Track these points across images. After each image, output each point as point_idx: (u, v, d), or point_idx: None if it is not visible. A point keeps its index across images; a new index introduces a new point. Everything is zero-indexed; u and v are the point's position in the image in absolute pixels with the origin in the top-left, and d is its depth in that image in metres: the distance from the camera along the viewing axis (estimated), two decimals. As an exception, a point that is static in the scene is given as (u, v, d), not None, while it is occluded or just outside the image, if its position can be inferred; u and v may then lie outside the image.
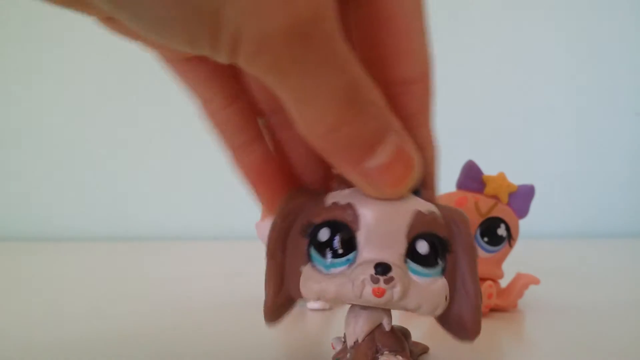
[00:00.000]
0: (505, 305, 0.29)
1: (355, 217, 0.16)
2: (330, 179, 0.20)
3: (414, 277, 0.16)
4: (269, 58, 0.12)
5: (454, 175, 0.30)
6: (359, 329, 0.17)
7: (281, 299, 0.18)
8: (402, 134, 0.15)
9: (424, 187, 0.17)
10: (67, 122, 0.71)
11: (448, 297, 0.17)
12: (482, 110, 0.70)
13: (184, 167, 0.68)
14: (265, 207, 0.20)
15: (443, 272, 0.17)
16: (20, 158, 0.71)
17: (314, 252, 0.17)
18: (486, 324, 0.27)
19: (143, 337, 0.25)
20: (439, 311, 0.17)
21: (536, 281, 0.29)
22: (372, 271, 0.16)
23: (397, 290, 0.16)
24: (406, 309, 0.17)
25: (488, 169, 0.30)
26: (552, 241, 0.63)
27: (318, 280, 0.16)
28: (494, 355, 0.23)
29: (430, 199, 0.18)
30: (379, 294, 0.15)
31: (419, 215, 0.16)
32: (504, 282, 0.30)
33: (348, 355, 0.18)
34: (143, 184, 0.71)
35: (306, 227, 0.17)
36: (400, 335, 0.18)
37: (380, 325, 0.18)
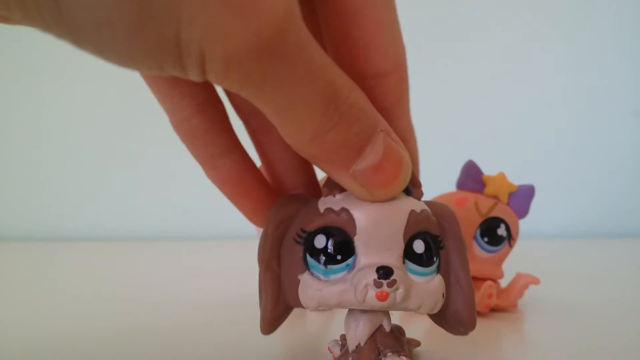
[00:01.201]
0: (505, 305, 0.29)
1: (351, 221, 0.16)
2: (314, 182, 0.20)
3: (413, 277, 0.16)
4: (239, 75, 0.12)
5: (454, 175, 0.30)
6: (360, 332, 0.17)
7: (279, 310, 0.17)
8: (389, 132, 0.15)
9: (413, 185, 0.17)
10: (67, 122, 0.71)
11: (444, 294, 0.17)
12: (482, 110, 0.70)
13: (184, 167, 0.68)
14: (248, 217, 0.19)
15: (438, 269, 0.17)
16: (20, 158, 0.71)
17: (310, 260, 0.17)
18: (486, 324, 0.27)
19: (143, 337, 0.25)
20: (438, 308, 0.17)
21: (536, 281, 0.29)
22: (375, 275, 0.16)
23: (400, 292, 0.16)
24: (407, 310, 0.17)
25: (488, 169, 0.30)
26: (552, 241, 0.63)
27: (318, 287, 0.16)
28: (494, 355, 0.23)
29: (418, 196, 0.18)
30: (383, 297, 0.16)
31: (413, 215, 0.16)
32: (504, 282, 0.30)
33: (350, 359, 0.18)
34: (143, 184, 0.71)
35: (300, 234, 0.17)
36: (399, 335, 0.18)
37: (380, 327, 0.18)
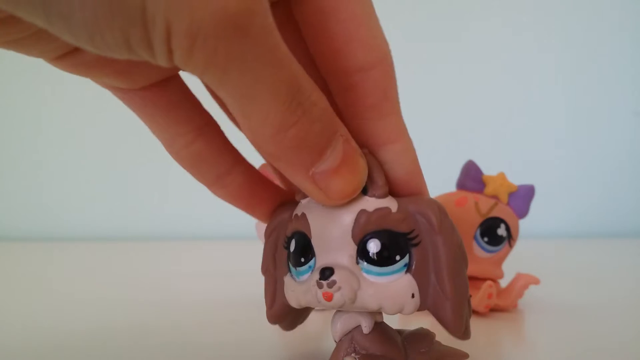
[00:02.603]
0: (505, 305, 0.29)
1: (307, 225, 0.17)
2: None
3: (370, 277, 0.16)
4: (204, 53, 0.11)
5: (454, 175, 0.30)
6: (336, 329, 0.18)
7: (277, 309, 0.19)
8: (348, 137, 0.15)
9: (371, 184, 0.17)
10: (67, 122, 0.71)
11: (417, 295, 0.16)
12: (482, 110, 0.70)
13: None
14: (265, 221, 0.20)
15: (407, 268, 0.16)
16: (20, 158, 0.71)
17: (289, 262, 0.18)
18: (486, 324, 0.27)
19: (143, 337, 0.25)
20: (409, 310, 0.16)
21: (536, 281, 0.29)
22: (317, 277, 0.16)
23: (344, 292, 0.16)
24: (368, 310, 0.17)
25: (488, 169, 0.30)
26: (552, 241, 0.63)
27: (293, 288, 0.17)
28: (494, 355, 0.23)
29: (380, 194, 0.17)
30: (328, 298, 0.16)
31: (363, 215, 0.16)
32: (504, 282, 0.30)
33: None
34: (143, 184, 0.71)
35: (284, 240, 0.18)
36: (390, 339, 0.18)
37: (358, 327, 0.18)
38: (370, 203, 0.16)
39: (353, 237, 0.16)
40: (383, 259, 0.16)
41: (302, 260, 0.17)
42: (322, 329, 0.26)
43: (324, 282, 0.16)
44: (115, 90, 0.17)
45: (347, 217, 0.16)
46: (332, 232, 0.16)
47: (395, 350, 0.18)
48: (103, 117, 0.70)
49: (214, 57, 0.12)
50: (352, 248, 0.16)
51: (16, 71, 0.70)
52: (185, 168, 0.18)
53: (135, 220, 0.71)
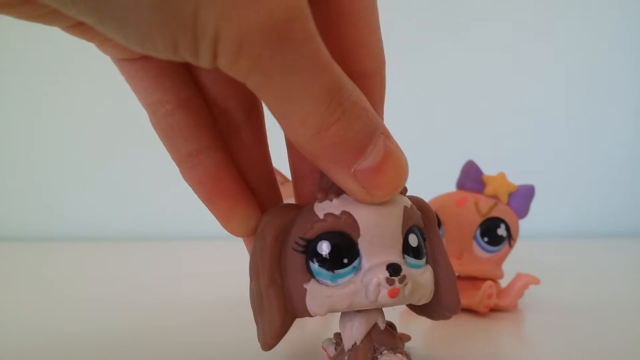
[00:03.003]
0: (505, 305, 0.29)
1: (354, 223, 0.16)
2: (274, 184, 0.20)
3: (412, 270, 0.17)
4: (249, 59, 0.12)
5: (454, 175, 0.30)
6: (355, 332, 0.18)
7: (288, 324, 0.17)
8: (388, 135, 0.16)
9: None
10: (67, 122, 0.71)
11: (434, 283, 0.18)
12: (482, 110, 0.70)
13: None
14: (222, 221, 0.18)
15: (426, 259, 0.18)
16: (20, 158, 0.71)
17: (315, 267, 0.16)
18: (486, 324, 0.27)
19: (142, 337, 0.25)
20: (431, 297, 0.18)
21: (536, 281, 0.29)
22: (387, 274, 0.16)
23: (408, 287, 0.16)
24: (409, 303, 0.17)
25: (488, 169, 0.30)
26: (552, 241, 0.63)
27: (328, 294, 0.16)
28: (494, 355, 0.23)
29: (404, 191, 0.18)
30: (395, 294, 0.16)
31: (407, 211, 0.17)
32: (504, 282, 0.30)
33: (346, 358, 0.18)
34: (143, 184, 0.71)
35: (300, 243, 0.16)
36: (393, 332, 0.19)
37: (375, 325, 0.18)
38: (404, 200, 0.17)
39: (402, 232, 0.17)
40: (420, 252, 0.17)
41: (345, 261, 0.16)
42: (322, 329, 0.26)
43: (396, 279, 0.16)
44: (109, 56, 0.17)
45: (397, 214, 0.17)
46: (386, 230, 0.16)
47: (398, 339, 0.18)
48: (103, 117, 0.70)
49: (258, 62, 0.12)
50: (400, 244, 0.17)
51: (16, 70, 0.70)
52: (161, 138, 0.18)
53: (135, 220, 0.71)
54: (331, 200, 0.17)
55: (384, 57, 0.17)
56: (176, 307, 0.31)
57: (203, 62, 0.12)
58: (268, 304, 0.17)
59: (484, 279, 0.28)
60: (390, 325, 0.19)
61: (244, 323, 0.27)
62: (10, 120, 0.71)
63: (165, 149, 0.18)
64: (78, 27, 0.16)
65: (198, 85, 0.18)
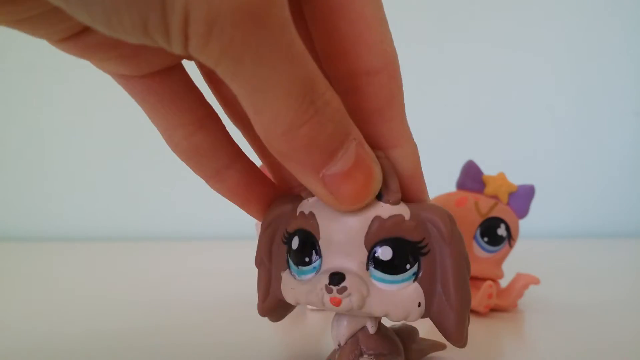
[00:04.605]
0: (505, 305, 0.29)
1: (316, 225, 0.16)
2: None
3: (379, 284, 0.16)
4: (220, 42, 0.11)
5: (454, 175, 0.30)
6: (340, 332, 0.18)
7: (270, 303, 0.19)
8: (362, 142, 0.15)
9: (386, 189, 0.16)
10: (67, 122, 0.71)
11: (422, 303, 0.16)
12: (482, 110, 0.70)
13: (185, 167, 0.68)
14: (260, 219, 0.19)
15: (416, 276, 0.16)
16: (20, 158, 0.71)
17: (289, 259, 0.17)
18: (486, 324, 0.27)
19: (143, 337, 0.25)
20: (413, 318, 0.16)
21: (536, 281, 0.29)
22: (327, 281, 0.16)
23: (353, 299, 0.16)
24: (374, 316, 0.17)
25: (488, 169, 0.30)
26: (552, 241, 0.63)
27: (293, 286, 0.17)
28: (494, 355, 0.23)
29: (394, 201, 0.16)
30: (336, 303, 0.16)
31: (377, 221, 0.16)
32: (504, 282, 0.30)
33: (336, 356, 0.18)
34: (143, 184, 0.71)
35: (284, 234, 0.18)
36: (391, 337, 0.18)
37: (363, 328, 0.17)
38: (384, 209, 0.16)
39: (365, 243, 0.16)
40: (394, 267, 0.16)
41: (307, 260, 0.17)
42: (322, 329, 0.26)
43: (334, 288, 0.15)
44: (118, 76, 0.17)
45: (360, 223, 0.16)
46: (344, 237, 0.16)
47: (395, 347, 0.18)
48: (104, 117, 0.70)
49: (229, 46, 0.11)
50: (363, 254, 0.16)
51: (16, 70, 0.70)
52: (184, 160, 0.18)
53: (136, 220, 0.71)
54: (308, 200, 0.17)
55: (391, 52, 0.15)
56: (176, 307, 0.31)
57: (175, 45, 0.12)
58: (258, 281, 0.19)
59: (484, 279, 0.28)
60: (409, 332, 0.19)
61: (244, 323, 0.27)
62: (11, 120, 0.71)
63: (165, 152, 0.18)
64: (71, 41, 0.15)
65: (222, 97, 0.18)
